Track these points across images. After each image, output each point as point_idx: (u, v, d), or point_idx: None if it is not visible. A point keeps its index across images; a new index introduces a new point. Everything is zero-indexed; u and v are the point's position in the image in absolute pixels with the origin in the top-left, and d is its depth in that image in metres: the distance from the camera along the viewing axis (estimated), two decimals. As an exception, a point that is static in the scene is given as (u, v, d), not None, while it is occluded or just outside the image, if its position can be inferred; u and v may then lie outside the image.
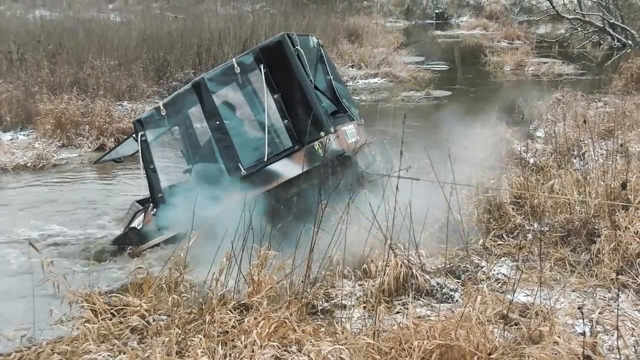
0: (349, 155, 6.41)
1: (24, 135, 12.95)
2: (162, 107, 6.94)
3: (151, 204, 7.06)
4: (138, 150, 7.09)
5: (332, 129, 6.40)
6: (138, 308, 4.87)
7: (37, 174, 10.82)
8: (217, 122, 6.68)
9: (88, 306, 4.91)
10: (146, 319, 4.79)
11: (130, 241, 7.00)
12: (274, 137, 6.59)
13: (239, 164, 6.56)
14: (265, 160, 6.47)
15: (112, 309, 4.92)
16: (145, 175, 6.99)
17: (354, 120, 7.16)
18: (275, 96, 6.47)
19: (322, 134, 6.35)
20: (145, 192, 7.25)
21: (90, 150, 12.13)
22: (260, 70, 6.50)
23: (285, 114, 6.46)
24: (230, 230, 5.09)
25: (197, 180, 6.85)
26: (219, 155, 6.70)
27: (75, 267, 6.63)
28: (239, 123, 6.98)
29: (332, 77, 7.31)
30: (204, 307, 4.83)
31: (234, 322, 4.56)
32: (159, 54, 17.88)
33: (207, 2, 29.73)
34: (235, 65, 6.62)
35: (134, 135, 7.27)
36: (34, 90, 13.94)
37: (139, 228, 7.10)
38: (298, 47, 6.54)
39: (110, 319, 4.77)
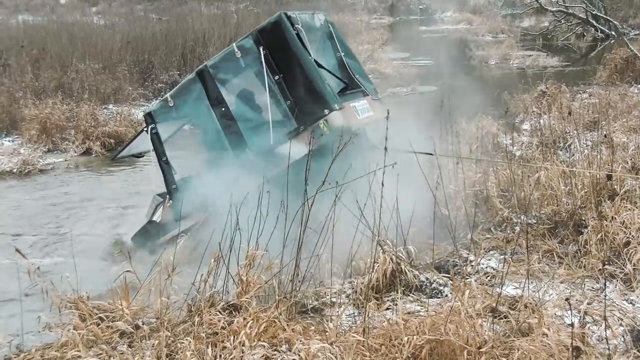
0: (356, 132, 6.25)
1: (9, 141, 12.84)
2: (169, 99, 6.92)
3: (167, 196, 7.05)
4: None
5: (336, 106, 6.28)
6: (125, 312, 4.83)
7: (24, 179, 10.74)
8: (223, 109, 6.66)
9: (75, 311, 4.87)
10: (135, 323, 4.77)
11: (150, 235, 6.99)
12: (277, 119, 6.51)
13: (246, 149, 6.51)
14: (271, 143, 6.39)
15: (100, 314, 4.89)
16: (159, 167, 6.99)
17: (367, 95, 7.08)
18: (277, 77, 6.41)
19: (327, 111, 6.25)
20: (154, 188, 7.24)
21: (76, 154, 12.04)
22: (260, 53, 6.48)
23: (287, 94, 6.39)
24: (218, 229, 5.04)
25: (208, 168, 6.82)
26: (226, 142, 6.67)
27: (64, 271, 6.58)
28: (244, 108, 6.93)
29: (343, 54, 7.26)
30: (193, 309, 4.82)
31: (223, 323, 4.54)
32: (143, 56, 17.77)
33: (191, 2, 29.67)
34: (236, 50, 6.58)
35: (145, 129, 7.23)
36: (18, 96, 13.82)
37: (158, 221, 7.08)
38: (298, 26, 6.47)
39: (99, 324, 4.74)
